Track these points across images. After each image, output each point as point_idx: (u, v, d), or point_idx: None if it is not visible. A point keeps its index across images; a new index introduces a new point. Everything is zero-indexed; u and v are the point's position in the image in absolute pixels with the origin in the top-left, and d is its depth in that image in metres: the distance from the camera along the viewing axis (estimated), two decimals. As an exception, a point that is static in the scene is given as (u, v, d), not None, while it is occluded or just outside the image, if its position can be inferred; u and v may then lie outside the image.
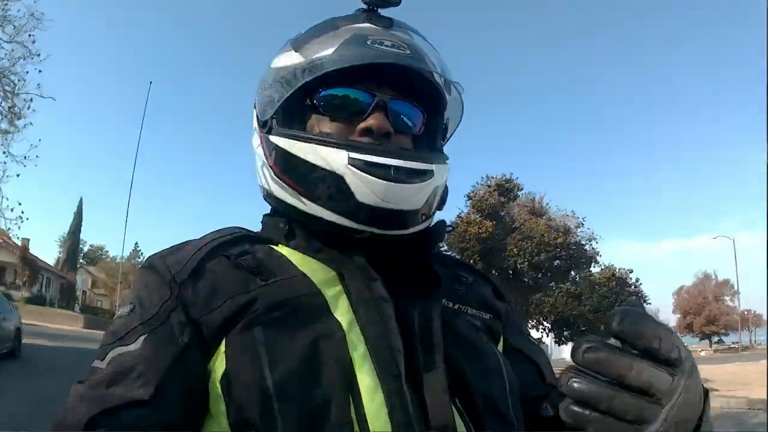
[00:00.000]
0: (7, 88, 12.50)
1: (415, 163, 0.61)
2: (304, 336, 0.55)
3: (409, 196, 0.60)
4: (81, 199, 13.72)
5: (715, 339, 48.50)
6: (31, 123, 12.78)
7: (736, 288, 42.41)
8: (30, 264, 29.63)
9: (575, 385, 0.43)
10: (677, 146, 75.39)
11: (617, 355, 0.43)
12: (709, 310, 45.65)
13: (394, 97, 0.65)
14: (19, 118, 12.64)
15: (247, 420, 0.51)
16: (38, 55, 12.53)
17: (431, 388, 0.56)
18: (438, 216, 0.70)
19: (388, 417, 0.52)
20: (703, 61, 75.34)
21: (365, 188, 0.58)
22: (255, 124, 0.70)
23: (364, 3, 0.67)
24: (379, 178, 0.58)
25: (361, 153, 0.59)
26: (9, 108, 12.56)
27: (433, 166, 0.62)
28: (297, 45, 0.66)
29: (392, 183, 0.58)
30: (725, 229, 79.61)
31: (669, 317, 49.36)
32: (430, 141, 0.71)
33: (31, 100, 12.77)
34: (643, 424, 0.43)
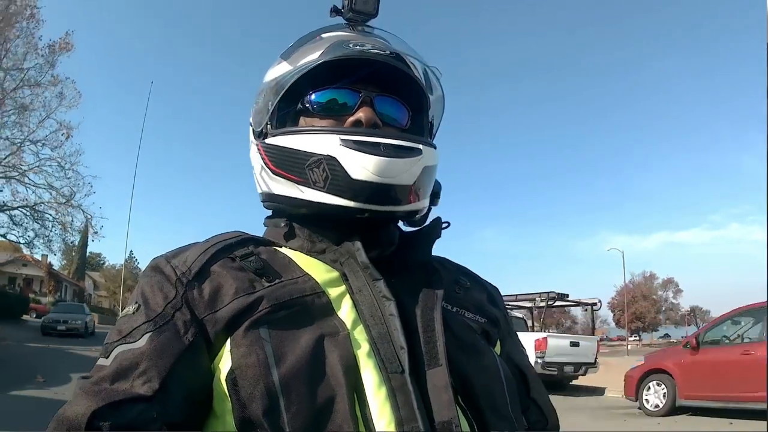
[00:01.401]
0: (86, 214, 20.23)
1: (403, 141, 0.63)
2: (309, 335, 0.56)
3: (400, 171, 0.62)
4: (87, 219, 20.35)
5: (662, 333, 52.48)
6: (104, 236, 21.36)
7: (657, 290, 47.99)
8: (54, 276, 38.20)
9: None
10: (670, 141, 76.56)
11: None
12: (636, 307, 48.72)
13: (379, 94, 0.68)
14: (95, 233, 21.11)
15: (253, 417, 0.51)
16: (90, 185, 19.98)
17: (435, 385, 0.56)
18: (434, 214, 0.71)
19: (392, 413, 0.53)
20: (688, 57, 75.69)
21: (358, 165, 0.60)
22: (251, 138, 0.72)
23: (345, 20, 0.72)
24: (370, 154, 0.60)
25: (350, 134, 0.62)
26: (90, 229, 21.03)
27: (420, 146, 0.64)
28: (285, 56, 0.71)
29: (383, 157, 0.60)
30: (714, 221, 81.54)
31: (608, 312, 53.53)
32: (417, 134, 0.72)
33: (102, 226, 21.13)
34: None
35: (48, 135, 18.44)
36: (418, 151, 0.64)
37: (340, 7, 0.72)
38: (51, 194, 19.06)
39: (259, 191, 0.72)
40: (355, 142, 0.61)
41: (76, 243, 22.52)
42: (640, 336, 51.58)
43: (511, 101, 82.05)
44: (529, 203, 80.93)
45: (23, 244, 20.06)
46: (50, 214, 19.55)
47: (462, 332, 0.65)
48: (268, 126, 0.68)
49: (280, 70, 0.70)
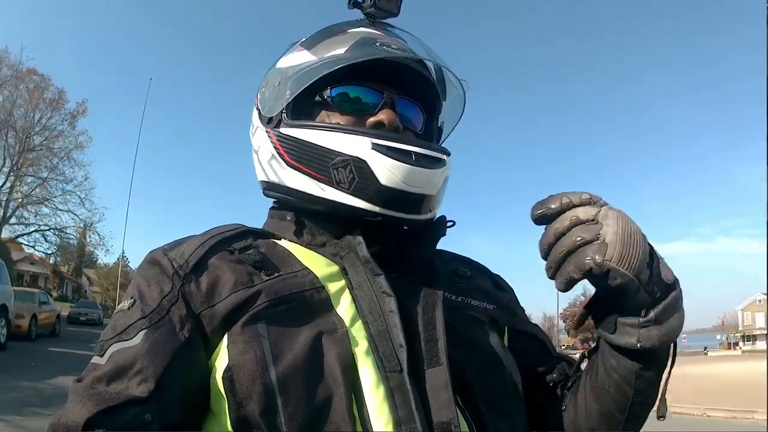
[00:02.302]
0: (101, 236, 27.54)
1: (431, 151, 0.63)
2: (307, 331, 0.55)
3: (427, 181, 0.62)
4: (84, 225, 26.31)
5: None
6: (113, 253, 28.25)
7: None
8: (58, 275, 44.24)
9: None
10: (661, 152, 79.15)
11: (546, 228, 0.55)
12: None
13: (400, 96, 0.68)
14: (107, 250, 28.04)
15: (249, 416, 0.51)
16: (102, 218, 27.02)
17: (434, 385, 0.55)
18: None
19: (390, 413, 0.52)
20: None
21: (388, 172, 0.59)
22: (257, 122, 0.70)
23: (365, 15, 0.70)
24: (401, 162, 0.60)
25: (383, 139, 0.61)
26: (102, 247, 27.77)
27: (444, 157, 0.65)
28: (308, 46, 0.69)
29: (414, 167, 0.60)
30: (702, 234, 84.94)
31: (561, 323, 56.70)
32: (429, 140, 0.73)
33: (112, 245, 28.48)
34: (598, 238, 0.52)
35: (66, 171, 26.07)
36: (443, 162, 0.64)
37: (360, 0, 0.71)
38: (73, 219, 26.38)
39: (264, 179, 0.70)
40: (387, 147, 0.60)
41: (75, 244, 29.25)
42: (590, 344, 55.63)
43: (503, 107, 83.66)
44: (518, 211, 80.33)
45: (48, 254, 26.45)
46: (73, 235, 26.21)
47: (463, 327, 0.64)
48: (284, 114, 0.66)
49: (301, 58, 0.67)
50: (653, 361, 0.60)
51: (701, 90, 76.75)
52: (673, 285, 0.57)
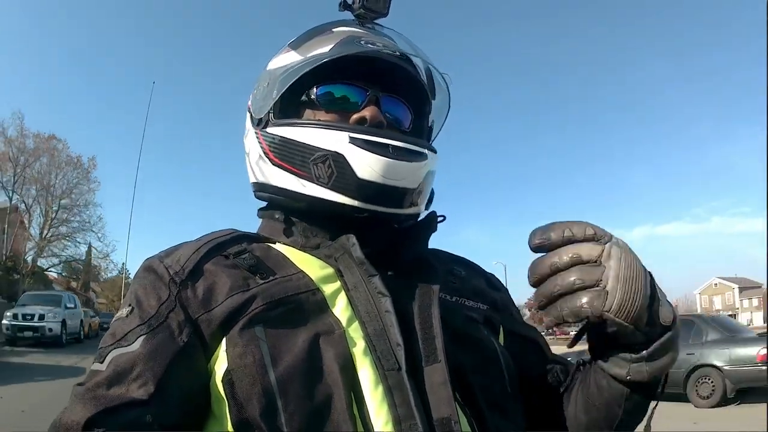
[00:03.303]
0: (114, 263, 35.57)
1: (410, 145, 0.63)
2: (304, 333, 0.55)
3: (406, 174, 0.62)
4: (90, 244, 33.20)
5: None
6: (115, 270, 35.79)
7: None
8: (72, 291, 51.95)
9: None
10: (655, 134, 77.12)
11: (541, 256, 0.53)
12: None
13: (385, 94, 0.68)
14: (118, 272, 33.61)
15: (250, 418, 0.51)
16: (114, 248, 34.11)
17: (433, 382, 0.56)
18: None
19: (389, 412, 0.52)
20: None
21: (366, 165, 0.60)
22: (249, 124, 0.71)
23: (354, 15, 0.71)
24: (379, 155, 0.60)
25: (360, 133, 0.61)
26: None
27: (426, 151, 0.65)
28: (295, 46, 0.70)
29: (391, 160, 0.60)
30: (695, 215, 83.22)
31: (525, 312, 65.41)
32: (417, 137, 0.72)
33: (121, 266, 35.07)
34: (599, 284, 0.50)
35: (82, 213, 33.02)
36: (424, 156, 0.65)
37: (349, 2, 0.72)
38: (93, 250, 34.29)
39: (253, 180, 0.71)
40: (365, 141, 0.61)
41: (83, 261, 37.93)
42: (554, 330, 60.72)
43: (497, 95, 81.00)
44: (511, 200, 79.49)
45: (72, 278, 34.26)
46: (81, 262, 34.73)
47: (459, 324, 0.64)
48: (271, 115, 0.67)
49: (288, 59, 0.68)
50: (643, 389, 0.60)
51: (693, 71, 75.73)
52: (671, 326, 0.56)
